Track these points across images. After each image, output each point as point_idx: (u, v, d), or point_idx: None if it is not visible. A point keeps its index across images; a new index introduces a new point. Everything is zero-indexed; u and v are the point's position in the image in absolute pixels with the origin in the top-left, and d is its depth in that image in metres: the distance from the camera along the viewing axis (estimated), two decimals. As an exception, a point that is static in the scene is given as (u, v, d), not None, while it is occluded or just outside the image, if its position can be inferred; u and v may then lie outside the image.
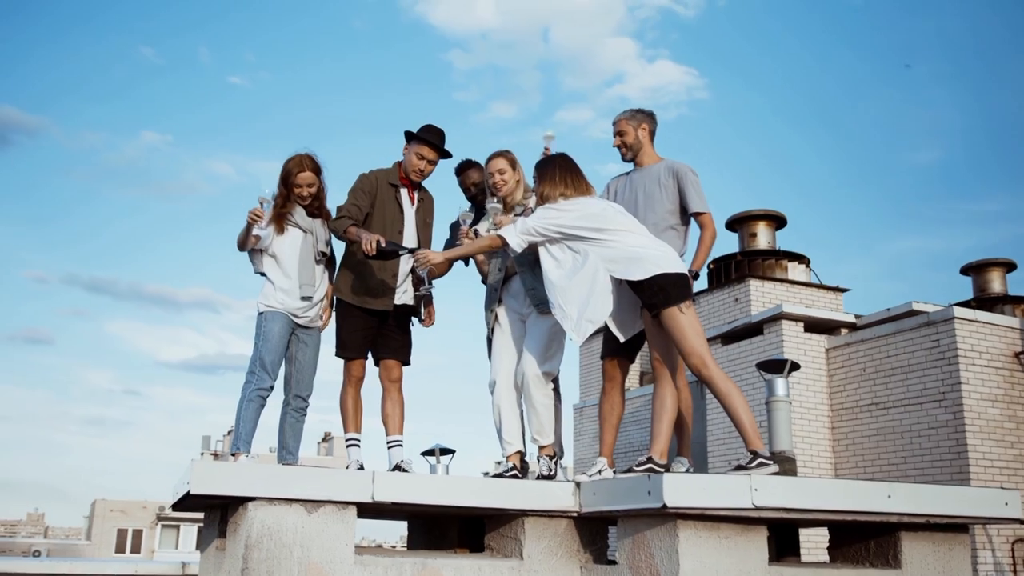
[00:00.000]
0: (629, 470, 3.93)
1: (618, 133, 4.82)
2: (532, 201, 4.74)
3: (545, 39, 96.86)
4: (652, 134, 4.83)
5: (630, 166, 4.87)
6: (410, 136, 4.99)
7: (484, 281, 5.08)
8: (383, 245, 4.61)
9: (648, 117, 4.82)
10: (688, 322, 3.99)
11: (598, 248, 4.15)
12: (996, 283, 15.41)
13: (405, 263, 4.92)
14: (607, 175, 4.75)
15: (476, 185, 5.16)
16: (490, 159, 4.84)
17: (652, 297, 4.03)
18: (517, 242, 4.26)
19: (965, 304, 13.86)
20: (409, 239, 4.95)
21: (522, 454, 4.73)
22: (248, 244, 4.86)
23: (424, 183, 5.11)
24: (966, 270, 15.83)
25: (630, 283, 4.11)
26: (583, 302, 4.13)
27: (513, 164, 4.83)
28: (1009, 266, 15.53)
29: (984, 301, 14.70)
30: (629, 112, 4.82)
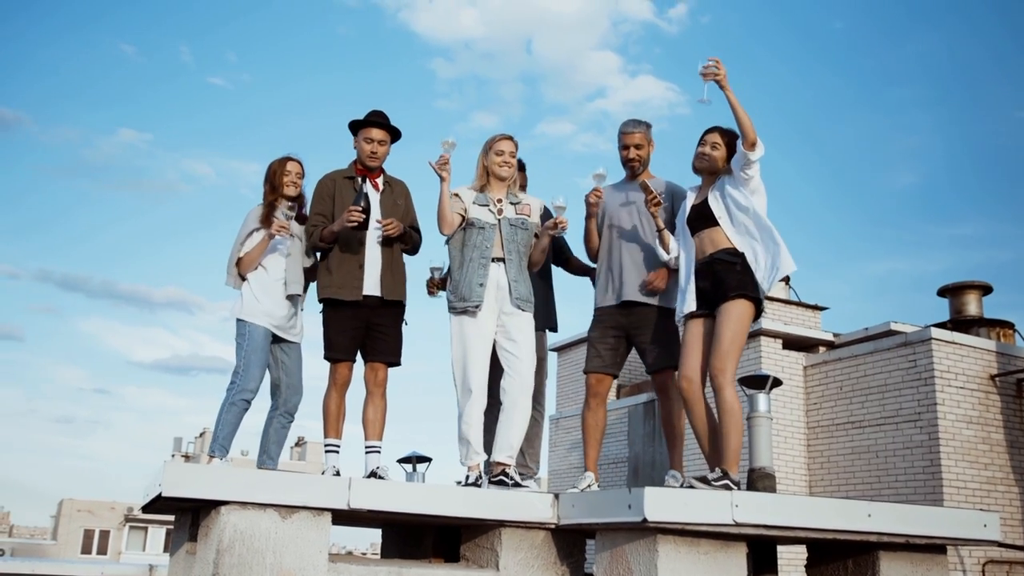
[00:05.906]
0: (706, 482, 3.89)
1: (637, 146, 4.65)
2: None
3: (528, 50, 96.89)
4: None
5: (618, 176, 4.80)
6: (354, 127, 4.93)
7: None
8: (360, 205, 4.54)
9: None
10: (745, 326, 4.10)
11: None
12: (972, 305, 15.50)
13: (372, 249, 4.73)
14: (587, 189, 4.63)
15: None
16: (500, 140, 4.62)
17: (758, 279, 4.11)
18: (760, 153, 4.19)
19: (941, 326, 13.94)
20: (374, 223, 4.75)
21: (486, 463, 4.55)
22: (256, 263, 4.80)
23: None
24: (943, 292, 15.92)
25: (731, 261, 4.16)
26: (774, 252, 4.14)
27: (516, 148, 4.65)
28: (985, 289, 15.64)
29: (960, 323, 14.78)
30: (646, 125, 4.68)
